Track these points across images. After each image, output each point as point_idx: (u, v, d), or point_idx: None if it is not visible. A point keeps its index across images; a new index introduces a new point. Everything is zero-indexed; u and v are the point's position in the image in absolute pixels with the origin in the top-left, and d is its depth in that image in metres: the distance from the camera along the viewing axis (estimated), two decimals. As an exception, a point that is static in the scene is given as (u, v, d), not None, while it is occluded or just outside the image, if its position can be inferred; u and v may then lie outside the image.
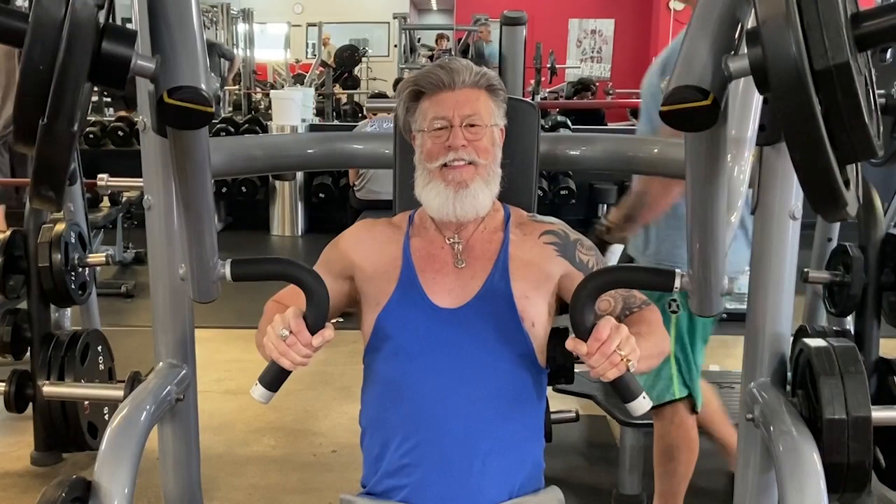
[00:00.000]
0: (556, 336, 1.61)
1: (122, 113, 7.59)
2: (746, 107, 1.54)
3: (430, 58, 11.06)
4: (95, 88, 0.97)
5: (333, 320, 1.45)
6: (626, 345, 1.32)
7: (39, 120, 0.82)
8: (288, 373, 1.41)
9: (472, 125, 1.55)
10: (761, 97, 1.45)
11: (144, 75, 0.90)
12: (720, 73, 0.86)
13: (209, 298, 1.46)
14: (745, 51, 0.83)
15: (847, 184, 0.81)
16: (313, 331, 1.37)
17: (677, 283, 1.35)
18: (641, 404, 1.34)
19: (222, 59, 9.92)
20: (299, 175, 7.20)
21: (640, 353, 1.35)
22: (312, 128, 7.17)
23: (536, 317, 1.54)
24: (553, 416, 2.42)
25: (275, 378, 1.41)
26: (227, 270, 1.40)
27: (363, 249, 1.62)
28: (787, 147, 0.81)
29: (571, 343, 1.34)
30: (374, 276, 1.59)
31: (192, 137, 1.10)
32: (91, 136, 7.12)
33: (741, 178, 1.56)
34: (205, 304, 1.48)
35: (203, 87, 0.89)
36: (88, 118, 7.28)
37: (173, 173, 1.23)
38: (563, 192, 7.00)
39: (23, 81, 0.82)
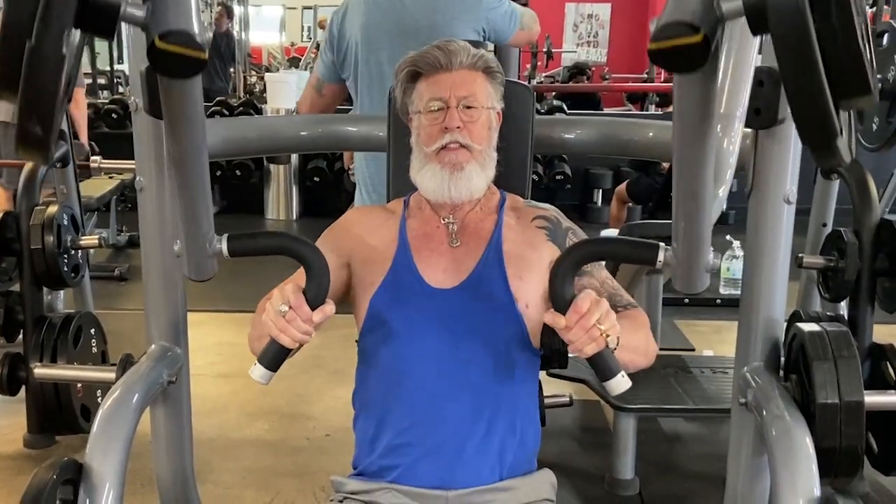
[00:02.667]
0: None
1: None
2: (737, 82, 1.53)
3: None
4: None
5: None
6: (607, 320, 1.28)
7: (24, 47, 0.80)
8: (288, 351, 1.35)
9: (469, 107, 1.54)
10: (752, 77, 1.44)
11: (135, 22, 0.88)
12: (712, 12, 0.83)
13: (205, 276, 1.42)
14: None
15: (841, 131, 0.81)
16: (313, 305, 1.32)
17: (661, 257, 1.31)
18: (620, 383, 1.30)
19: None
20: (294, 158, 7.18)
21: (622, 341, 1.32)
22: (307, 111, 7.13)
23: (530, 298, 1.54)
24: (547, 401, 2.42)
25: (274, 357, 1.35)
26: (224, 246, 1.36)
27: (359, 232, 1.62)
28: (785, 88, 0.80)
29: (550, 316, 1.30)
30: (369, 258, 1.58)
31: (185, 97, 1.06)
32: (85, 118, 7.10)
33: (731, 150, 1.54)
34: (200, 282, 1.44)
35: (195, 32, 0.86)
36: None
37: (166, 143, 1.19)
38: (558, 177, 6.99)
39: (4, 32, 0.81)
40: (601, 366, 1.30)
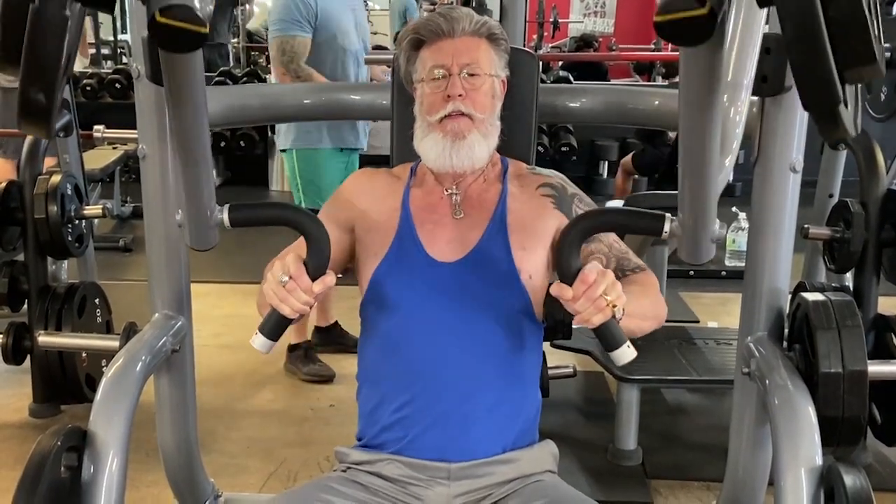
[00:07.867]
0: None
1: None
2: (744, 52, 1.51)
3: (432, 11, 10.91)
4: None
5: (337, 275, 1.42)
6: (613, 290, 1.28)
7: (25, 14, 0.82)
8: (289, 321, 1.37)
9: (472, 74, 1.52)
10: (759, 46, 1.43)
11: None
12: None
13: (206, 246, 1.43)
14: None
15: (846, 102, 0.81)
16: (314, 276, 1.33)
17: (667, 227, 1.32)
18: (626, 353, 1.31)
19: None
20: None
21: (627, 309, 1.33)
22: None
23: (533, 269, 1.53)
24: (550, 372, 2.43)
25: (275, 326, 1.36)
26: (225, 216, 1.37)
27: (364, 200, 1.61)
28: (789, 55, 0.79)
29: (556, 288, 1.31)
30: (373, 228, 1.58)
31: (187, 68, 1.06)
32: (88, 88, 7.07)
33: (737, 120, 1.52)
34: (203, 251, 1.44)
35: (196, 6, 0.85)
36: (86, 70, 7.20)
37: (168, 113, 1.19)
38: (564, 149, 6.95)
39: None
40: (607, 336, 1.31)
